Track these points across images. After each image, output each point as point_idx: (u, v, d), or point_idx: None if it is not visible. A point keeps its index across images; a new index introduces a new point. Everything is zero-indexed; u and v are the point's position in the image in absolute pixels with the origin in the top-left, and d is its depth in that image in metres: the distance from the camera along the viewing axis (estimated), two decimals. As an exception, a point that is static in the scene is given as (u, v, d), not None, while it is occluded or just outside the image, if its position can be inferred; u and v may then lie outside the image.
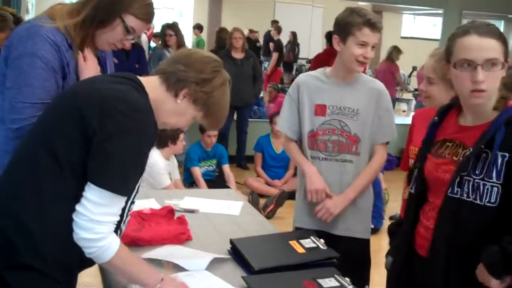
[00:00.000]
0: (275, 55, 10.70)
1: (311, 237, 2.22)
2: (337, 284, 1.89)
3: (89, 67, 2.02)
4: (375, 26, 2.46)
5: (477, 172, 1.74)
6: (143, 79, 1.76)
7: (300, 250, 2.13)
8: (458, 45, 1.76)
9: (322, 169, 2.59)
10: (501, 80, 1.76)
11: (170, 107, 1.76)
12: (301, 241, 2.18)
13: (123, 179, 1.61)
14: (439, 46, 7.79)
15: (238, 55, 6.62)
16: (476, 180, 1.74)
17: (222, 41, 7.25)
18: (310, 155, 2.62)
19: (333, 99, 2.58)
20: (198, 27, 10.60)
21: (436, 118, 1.97)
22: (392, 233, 2.23)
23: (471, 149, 1.77)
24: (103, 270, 2.01)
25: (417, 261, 1.93)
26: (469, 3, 7.68)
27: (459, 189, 1.77)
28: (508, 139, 1.70)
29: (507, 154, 1.70)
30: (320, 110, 2.59)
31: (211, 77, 1.78)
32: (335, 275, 1.93)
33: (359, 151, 2.58)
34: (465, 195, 1.76)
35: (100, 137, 1.57)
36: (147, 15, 2.02)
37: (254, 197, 5.37)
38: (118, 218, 1.65)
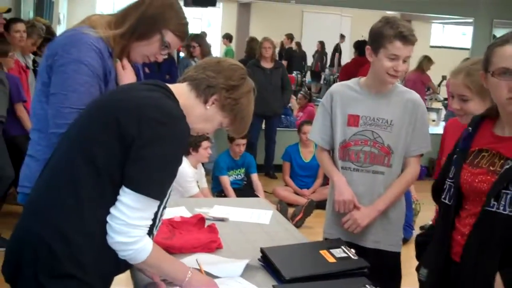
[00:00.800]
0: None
1: (342, 246, 2.21)
2: (368, 294, 1.88)
3: (127, 75, 2.08)
4: (407, 39, 2.40)
5: None
6: (171, 86, 1.80)
7: (331, 259, 2.12)
8: (498, 54, 1.76)
9: (353, 180, 2.57)
10: None
11: (199, 113, 1.80)
12: (332, 250, 2.17)
13: (159, 184, 1.65)
14: (469, 55, 7.72)
15: (267, 64, 6.64)
16: None
17: (252, 50, 7.29)
18: (341, 166, 2.61)
19: (366, 110, 2.56)
20: (227, 37, 10.68)
21: (470, 128, 1.96)
22: (419, 244, 2.21)
23: (509, 162, 1.74)
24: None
25: (454, 268, 1.92)
26: (500, 12, 7.59)
27: (495, 203, 1.75)
28: None
29: None
30: (353, 120, 2.57)
31: (239, 84, 1.83)
32: (366, 285, 1.92)
33: (391, 163, 2.55)
34: (501, 208, 1.74)
35: (138, 144, 1.60)
36: (183, 33, 2.10)
37: (283, 206, 5.37)
38: (151, 222, 1.68)
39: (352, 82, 2.66)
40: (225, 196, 5.37)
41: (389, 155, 2.55)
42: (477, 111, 2.15)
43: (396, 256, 2.63)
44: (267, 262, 2.11)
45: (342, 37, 10.03)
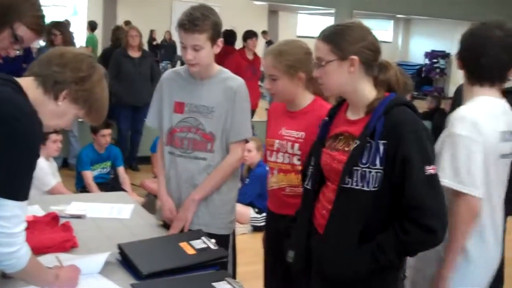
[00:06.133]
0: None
1: (202, 237, 2.20)
2: (229, 286, 1.89)
3: None
4: (185, 28, 2.43)
5: (363, 161, 1.84)
6: (20, 80, 1.69)
7: (191, 251, 2.10)
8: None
9: (178, 165, 2.61)
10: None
11: (51, 110, 1.72)
12: (192, 242, 2.15)
13: (25, 185, 1.60)
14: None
15: (134, 53, 6.46)
16: (363, 169, 1.84)
17: (118, 39, 7.07)
18: (168, 151, 2.65)
19: (191, 97, 2.60)
20: (90, 25, 10.32)
21: (327, 118, 2.07)
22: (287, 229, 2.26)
23: (357, 141, 1.86)
24: None
25: (317, 242, 2.00)
26: (359, 3, 7.94)
27: (349, 179, 1.86)
28: (388, 128, 1.81)
29: (386, 142, 1.81)
30: (179, 107, 2.61)
31: (89, 74, 1.76)
32: (226, 279, 1.93)
33: (214, 149, 2.59)
34: (354, 184, 1.86)
35: None
36: (39, 27, 1.98)
37: (151, 199, 5.28)
38: (26, 224, 1.64)
39: (182, 69, 2.68)
40: (88, 192, 5.16)
41: (211, 141, 2.59)
42: (286, 90, 2.39)
43: (225, 239, 2.65)
44: (125, 258, 2.04)
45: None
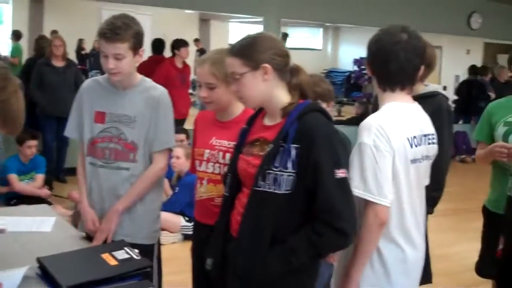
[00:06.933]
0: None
1: (125, 248, 2.17)
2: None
3: None
4: (106, 37, 2.43)
5: (276, 164, 1.88)
6: None
7: (113, 262, 2.06)
8: None
9: (100, 176, 2.59)
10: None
11: None
12: (114, 253, 2.11)
13: None
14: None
15: (58, 63, 6.33)
16: (276, 172, 1.88)
17: (42, 48, 6.89)
18: (90, 162, 2.62)
19: (111, 106, 2.58)
20: (14, 34, 10.02)
21: (246, 126, 2.11)
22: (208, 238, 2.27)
23: (271, 145, 1.91)
24: None
25: (233, 244, 2.03)
26: (287, 12, 8.07)
27: (262, 183, 1.90)
28: (300, 132, 1.86)
29: (299, 146, 1.86)
30: (99, 117, 2.58)
31: (4, 85, 1.72)
32: (149, 288, 1.92)
33: (137, 159, 2.58)
34: (267, 187, 1.89)
35: None
36: None
37: (77, 210, 5.15)
38: None
39: (102, 78, 2.66)
40: (16, 205, 5.00)
41: (134, 151, 2.58)
42: (223, 99, 2.39)
43: (150, 249, 2.64)
44: (45, 272, 1.99)
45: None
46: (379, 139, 1.98)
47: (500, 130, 3.00)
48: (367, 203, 1.99)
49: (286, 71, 1.98)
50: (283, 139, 1.88)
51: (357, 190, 1.97)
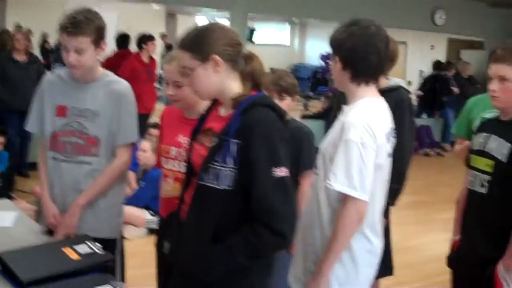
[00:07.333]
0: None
1: (87, 241, 2.15)
2: (113, 290, 1.87)
3: None
4: (68, 31, 2.41)
5: (217, 159, 1.84)
6: None
7: (74, 256, 2.05)
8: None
9: (62, 170, 2.57)
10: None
11: None
12: (75, 247, 2.10)
13: None
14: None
15: (20, 57, 6.23)
16: (217, 167, 1.84)
17: (4, 43, 6.77)
18: (52, 156, 2.59)
19: (74, 101, 2.56)
20: (-29, 29, 9.80)
21: (204, 112, 2.08)
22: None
23: (215, 139, 1.88)
24: None
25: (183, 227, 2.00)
26: (254, 6, 8.07)
27: (205, 176, 1.86)
28: (241, 128, 1.82)
29: (239, 142, 1.81)
30: (61, 111, 2.56)
31: None
32: (110, 282, 1.91)
33: (99, 153, 2.57)
34: (209, 181, 1.85)
35: None
36: None
37: (41, 206, 5.09)
38: None
39: (64, 71, 2.63)
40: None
41: (96, 145, 2.56)
42: (191, 96, 2.28)
43: (112, 243, 2.61)
44: (5, 267, 1.97)
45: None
46: (366, 137, 1.98)
47: (476, 125, 3.00)
48: (347, 198, 2.00)
49: (239, 60, 1.93)
50: (227, 133, 1.84)
51: (341, 185, 1.97)
